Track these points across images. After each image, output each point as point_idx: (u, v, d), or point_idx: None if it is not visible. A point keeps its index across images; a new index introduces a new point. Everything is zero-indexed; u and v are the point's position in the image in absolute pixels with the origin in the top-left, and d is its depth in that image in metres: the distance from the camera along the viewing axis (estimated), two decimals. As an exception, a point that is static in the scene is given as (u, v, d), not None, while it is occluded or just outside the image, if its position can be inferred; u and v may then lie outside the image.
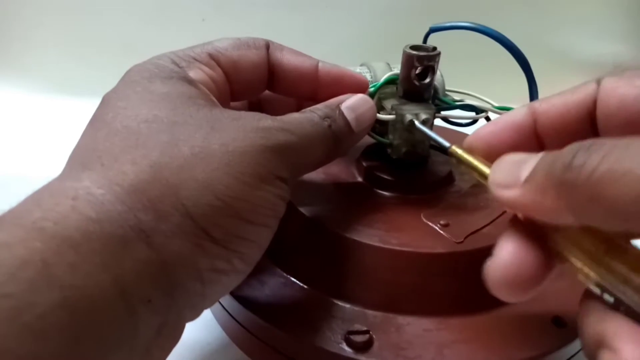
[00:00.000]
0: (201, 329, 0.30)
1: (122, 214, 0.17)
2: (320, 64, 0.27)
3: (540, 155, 0.16)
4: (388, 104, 0.28)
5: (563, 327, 0.24)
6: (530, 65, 0.26)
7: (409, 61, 0.27)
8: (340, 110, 0.25)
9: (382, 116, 0.27)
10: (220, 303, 0.27)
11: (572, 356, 0.25)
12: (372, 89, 0.28)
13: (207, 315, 0.30)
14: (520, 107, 0.20)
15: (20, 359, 0.14)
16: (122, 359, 0.17)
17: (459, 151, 0.21)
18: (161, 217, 0.18)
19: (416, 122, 0.27)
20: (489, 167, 0.19)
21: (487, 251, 0.25)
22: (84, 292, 0.15)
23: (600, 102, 0.18)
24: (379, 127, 0.29)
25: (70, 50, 0.66)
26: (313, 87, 0.27)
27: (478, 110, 0.30)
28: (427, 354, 0.23)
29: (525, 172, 0.16)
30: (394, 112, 0.28)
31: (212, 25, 0.66)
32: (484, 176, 0.19)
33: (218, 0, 0.66)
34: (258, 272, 0.27)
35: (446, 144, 0.22)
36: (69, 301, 0.15)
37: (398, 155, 0.29)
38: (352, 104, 0.25)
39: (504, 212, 0.27)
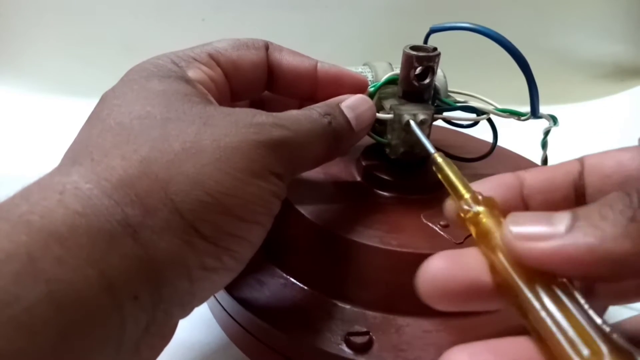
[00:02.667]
0: (201, 329, 0.30)
1: (109, 208, 0.17)
2: (319, 64, 0.27)
3: (568, 211, 0.15)
4: (387, 103, 0.28)
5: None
6: (530, 67, 0.26)
7: (408, 61, 0.27)
8: (340, 108, 0.25)
9: (381, 115, 0.27)
10: (220, 304, 0.27)
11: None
12: (372, 89, 0.28)
13: (207, 315, 0.30)
14: (507, 173, 0.20)
15: (6, 352, 0.14)
16: (110, 356, 0.17)
17: (440, 160, 0.21)
18: (149, 212, 0.17)
19: (411, 123, 0.27)
20: (467, 188, 0.19)
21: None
22: (70, 286, 0.15)
23: (591, 169, 0.18)
24: (379, 126, 0.29)
25: (70, 50, 0.66)
26: (312, 87, 0.27)
27: (479, 112, 0.30)
28: (427, 355, 0.23)
29: (562, 224, 0.15)
30: (392, 112, 0.28)
31: (212, 25, 0.66)
32: (459, 194, 0.19)
33: (218, 0, 0.66)
34: (258, 272, 0.27)
35: (431, 150, 0.22)
36: (55, 295, 0.15)
37: (396, 155, 0.29)
38: (351, 103, 0.25)
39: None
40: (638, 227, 0.13)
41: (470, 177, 0.20)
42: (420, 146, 0.29)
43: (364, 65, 0.32)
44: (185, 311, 0.20)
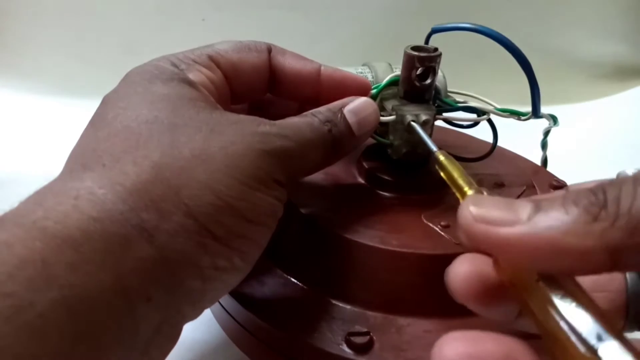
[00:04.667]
0: (201, 329, 0.30)
1: (124, 213, 0.17)
2: (322, 68, 0.27)
3: (529, 200, 0.15)
4: (389, 104, 0.28)
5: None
6: (531, 67, 0.26)
7: (410, 62, 0.27)
8: (342, 113, 0.25)
9: (382, 118, 0.27)
10: (220, 303, 0.27)
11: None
12: (374, 91, 0.28)
13: (207, 315, 0.30)
14: None
15: (20, 357, 0.14)
16: (122, 358, 0.17)
17: (442, 158, 0.21)
18: (163, 216, 0.18)
19: (413, 123, 0.27)
20: (469, 184, 0.19)
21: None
22: (84, 291, 0.15)
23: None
24: (381, 127, 0.29)
25: (70, 50, 0.66)
26: (315, 90, 0.27)
27: (480, 112, 0.30)
28: (428, 355, 0.22)
29: (524, 212, 0.14)
30: (394, 113, 0.28)
31: (212, 25, 0.66)
32: (461, 191, 0.19)
33: (218, 0, 0.66)
34: (258, 272, 0.27)
35: (433, 147, 0.22)
36: (68, 300, 0.15)
37: (398, 156, 0.29)
38: (355, 107, 0.25)
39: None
40: (601, 227, 0.13)
41: (470, 177, 0.20)
42: (422, 146, 0.29)
43: (363, 65, 0.32)
44: (196, 310, 0.20)
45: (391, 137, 0.29)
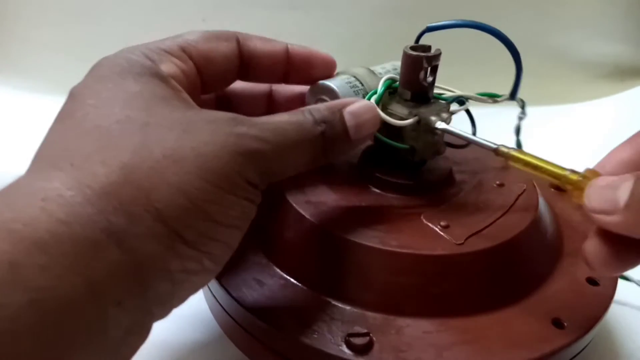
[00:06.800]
0: (201, 329, 0.30)
1: (92, 216, 0.17)
2: (289, 47, 0.27)
3: (629, 178, 0.19)
4: (397, 109, 0.28)
5: (562, 329, 0.24)
6: (517, 49, 0.26)
7: (416, 63, 0.27)
8: (341, 114, 0.24)
9: (398, 122, 0.27)
10: (220, 304, 0.27)
11: (572, 358, 0.25)
12: (374, 99, 0.28)
13: (207, 315, 0.30)
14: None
15: None
16: (92, 357, 0.17)
17: (518, 154, 0.23)
18: (132, 220, 0.18)
19: (449, 127, 0.27)
20: (552, 164, 0.22)
21: (487, 253, 0.25)
22: (54, 293, 0.15)
23: None
24: (390, 131, 0.28)
25: (70, 50, 0.66)
26: (284, 70, 0.27)
27: (463, 101, 0.30)
28: (427, 356, 0.23)
29: (622, 197, 0.18)
30: (412, 117, 0.27)
31: (212, 25, 0.65)
32: (558, 175, 0.22)
33: (218, 0, 0.66)
34: (258, 273, 0.27)
35: (493, 145, 0.24)
36: (38, 303, 0.15)
37: (422, 158, 0.29)
38: (355, 109, 0.24)
39: (505, 213, 0.28)
40: None
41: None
42: (440, 145, 0.29)
43: (341, 73, 0.30)
44: (165, 312, 0.20)
45: (411, 142, 0.28)
